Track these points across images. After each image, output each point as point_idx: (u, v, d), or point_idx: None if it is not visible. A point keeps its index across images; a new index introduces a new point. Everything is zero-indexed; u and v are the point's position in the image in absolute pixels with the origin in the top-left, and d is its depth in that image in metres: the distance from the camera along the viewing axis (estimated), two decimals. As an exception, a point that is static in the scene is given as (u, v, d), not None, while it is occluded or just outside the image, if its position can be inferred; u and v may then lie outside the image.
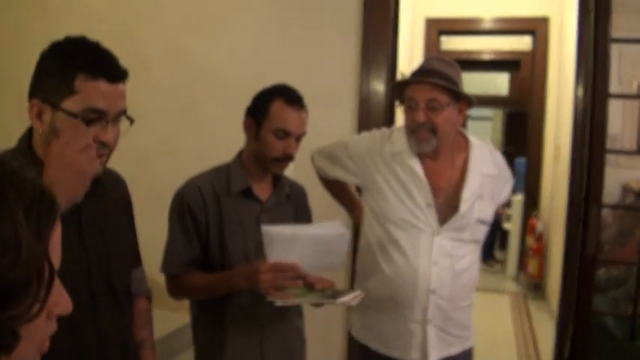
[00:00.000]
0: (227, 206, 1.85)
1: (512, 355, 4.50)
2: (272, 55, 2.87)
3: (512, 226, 6.85)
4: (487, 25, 5.85)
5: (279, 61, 2.85)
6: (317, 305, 1.90)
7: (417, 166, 1.97)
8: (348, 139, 2.23)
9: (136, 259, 1.64)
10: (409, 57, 5.08)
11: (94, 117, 1.26)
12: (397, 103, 2.21)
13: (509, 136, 9.12)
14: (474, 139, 2.07)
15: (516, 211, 6.72)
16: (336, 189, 2.32)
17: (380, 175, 2.02)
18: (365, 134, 2.21)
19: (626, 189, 3.70)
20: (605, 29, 2.58)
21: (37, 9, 3.19)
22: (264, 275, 1.65)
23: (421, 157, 1.98)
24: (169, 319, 2.54)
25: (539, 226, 5.89)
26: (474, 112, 9.46)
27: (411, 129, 1.94)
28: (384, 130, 2.16)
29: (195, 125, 3.00)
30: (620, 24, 2.69)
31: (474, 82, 7.79)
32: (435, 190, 1.96)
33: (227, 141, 2.05)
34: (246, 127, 1.89)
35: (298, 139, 1.86)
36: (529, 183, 6.36)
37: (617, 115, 3.62)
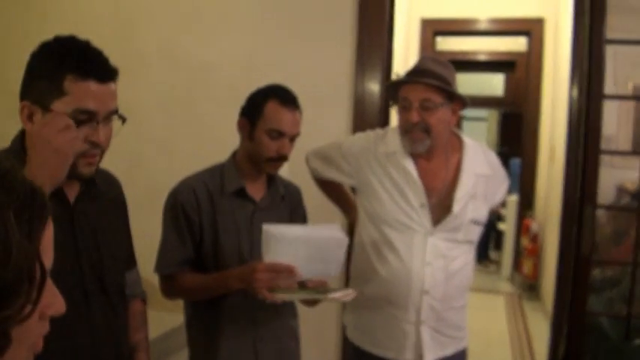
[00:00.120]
0: (221, 206, 1.85)
1: (507, 356, 4.51)
2: (267, 55, 2.87)
3: (507, 227, 6.86)
4: (482, 26, 5.86)
5: (274, 61, 2.85)
6: (309, 304, 1.90)
7: (410, 166, 1.97)
8: (343, 140, 2.23)
9: (130, 261, 1.63)
10: (404, 57, 5.08)
11: (85, 118, 1.25)
12: (391, 103, 2.20)
13: (505, 137, 9.12)
14: (467, 140, 2.07)
15: (511, 211, 6.73)
16: (331, 190, 2.32)
17: (374, 175, 2.02)
18: (359, 135, 2.21)
19: (621, 189, 3.71)
20: (600, 30, 2.59)
21: (33, 9, 3.18)
22: (260, 274, 1.65)
23: (415, 157, 1.98)
24: (164, 319, 2.53)
25: (534, 226, 5.90)
26: (470, 112, 9.49)
27: (405, 129, 1.94)
28: (378, 130, 2.16)
29: (190, 125, 3.00)
30: (616, 25, 2.69)
31: (469, 83, 7.79)
32: (429, 190, 1.96)
33: (222, 141, 2.05)
34: (240, 127, 1.89)
35: (292, 139, 1.85)
36: (524, 184, 6.37)
37: (612, 115, 3.63)
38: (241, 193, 1.87)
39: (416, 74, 1.91)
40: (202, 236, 1.84)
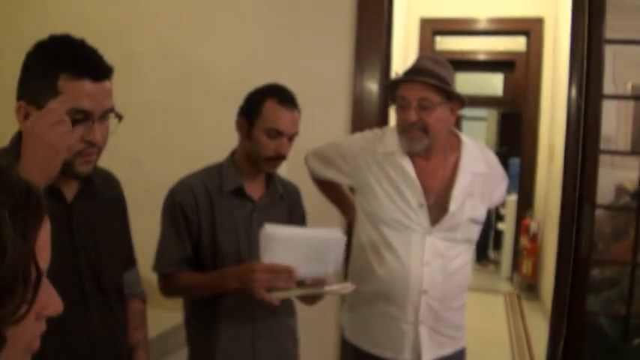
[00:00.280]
0: (219, 205, 1.84)
1: (506, 355, 4.51)
2: (265, 54, 2.87)
3: (507, 227, 6.86)
4: (482, 26, 5.85)
5: (272, 60, 2.85)
6: (308, 303, 1.90)
7: (408, 166, 1.96)
8: (341, 140, 2.23)
9: (129, 260, 1.63)
10: (404, 57, 5.07)
11: (80, 117, 1.25)
12: (390, 102, 2.20)
13: (504, 137, 9.13)
14: (465, 139, 2.07)
15: (510, 211, 6.73)
16: (330, 190, 2.32)
17: (372, 175, 2.01)
18: (357, 135, 2.21)
19: (620, 189, 3.71)
20: (598, 30, 2.58)
21: (29, 8, 3.17)
22: (259, 275, 1.65)
23: (413, 157, 1.98)
24: (163, 318, 2.53)
25: (533, 226, 5.90)
26: (469, 112, 9.49)
27: (403, 128, 1.94)
28: (376, 130, 2.16)
29: (188, 125, 2.99)
30: (616, 25, 2.69)
31: (468, 83, 7.80)
32: (427, 190, 1.96)
33: (220, 141, 2.04)
34: (239, 126, 1.89)
35: (291, 138, 1.85)
36: (523, 183, 6.36)
37: (611, 115, 3.63)
38: (240, 193, 1.87)
39: (414, 73, 1.91)
40: (200, 235, 1.83)
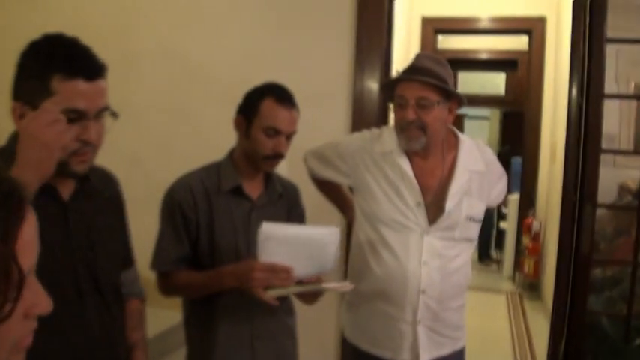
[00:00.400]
0: (217, 204, 1.84)
1: (508, 354, 4.50)
2: (265, 53, 2.87)
3: (508, 226, 6.85)
4: (484, 25, 5.84)
5: (272, 60, 2.85)
6: (307, 301, 1.90)
7: (406, 165, 1.96)
8: (339, 140, 2.23)
9: (127, 259, 1.62)
10: (405, 56, 5.06)
11: (75, 117, 1.24)
12: (388, 101, 2.20)
13: (506, 136, 9.12)
14: (463, 137, 2.06)
15: (512, 210, 6.72)
16: (329, 190, 2.32)
17: (370, 175, 2.01)
18: (356, 135, 2.20)
19: (622, 188, 3.70)
20: (599, 29, 2.58)
21: (30, 7, 3.17)
22: (258, 273, 1.64)
23: (411, 156, 1.98)
24: (162, 317, 2.52)
25: (535, 225, 5.89)
26: (472, 111, 9.49)
27: (401, 127, 1.93)
28: (375, 130, 2.16)
29: (188, 124, 2.99)
30: (618, 24, 2.68)
31: (470, 82, 7.78)
32: (425, 189, 1.95)
33: (220, 140, 2.04)
34: (237, 125, 1.89)
35: (289, 137, 1.85)
36: (525, 182, 6.36)
37: (614, 115, 3.62)
38: (238, 192, 1.87)
39: (412, 72, 1.90)
40: (199, 234, 1.83)
